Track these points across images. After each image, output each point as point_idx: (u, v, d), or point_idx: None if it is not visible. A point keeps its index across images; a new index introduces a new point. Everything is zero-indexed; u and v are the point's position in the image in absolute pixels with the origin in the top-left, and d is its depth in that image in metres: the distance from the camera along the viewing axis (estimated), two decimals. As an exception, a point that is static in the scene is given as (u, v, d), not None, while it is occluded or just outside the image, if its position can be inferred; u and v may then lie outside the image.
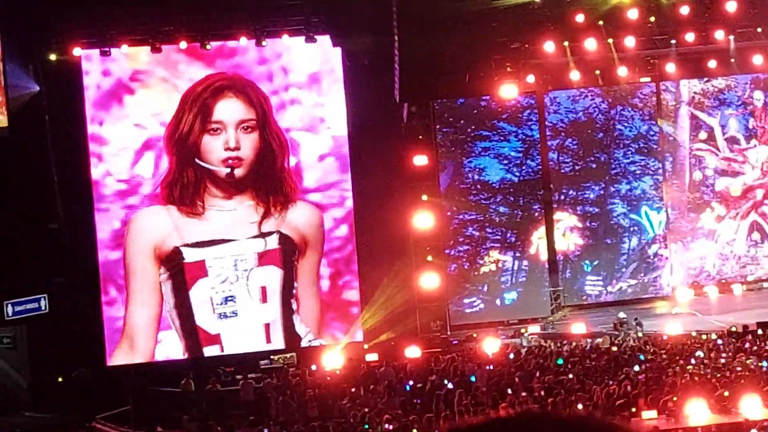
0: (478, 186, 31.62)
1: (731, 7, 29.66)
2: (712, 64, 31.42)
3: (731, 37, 30.62)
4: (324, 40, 28.64)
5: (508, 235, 31.79)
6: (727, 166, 32.91)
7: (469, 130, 31.66)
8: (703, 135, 32.87)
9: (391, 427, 20.14)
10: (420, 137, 30.60)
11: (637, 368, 23.11)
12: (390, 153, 29.59)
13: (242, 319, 28.24)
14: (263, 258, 28.32)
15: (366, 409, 21.59)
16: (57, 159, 28.20)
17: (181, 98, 28.11)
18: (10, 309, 26.71)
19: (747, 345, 25.30)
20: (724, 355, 24.47)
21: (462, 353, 26.80)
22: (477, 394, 22.09)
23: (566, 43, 30.29)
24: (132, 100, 28.13)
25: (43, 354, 27.27)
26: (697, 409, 19.62)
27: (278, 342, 28.46)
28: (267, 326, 28.40)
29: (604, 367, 23.83)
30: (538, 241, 31.68)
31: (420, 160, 30.18)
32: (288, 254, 28.45)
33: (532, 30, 29.89)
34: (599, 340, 27.58)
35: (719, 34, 30.41)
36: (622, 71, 31.00)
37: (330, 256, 29.01)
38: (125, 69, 28.19)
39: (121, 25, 27.68)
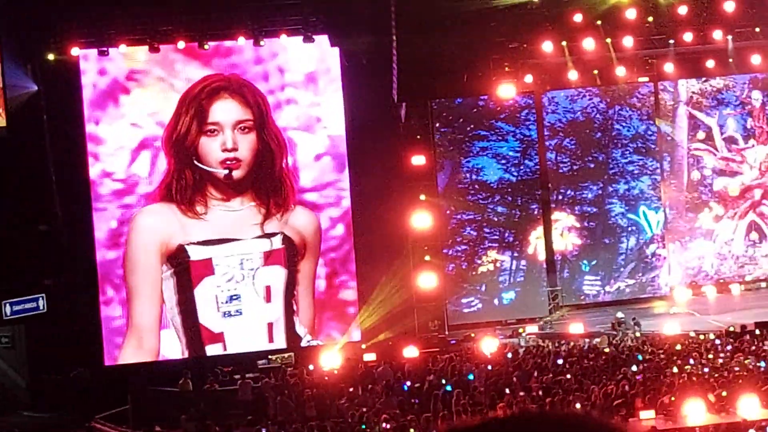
0: (476, 186, 31.63)
1: (729, 7, 29.67)
2: (710, 63, 31.44)
3: (729, 37, 30.63)
4: (321, 40, 28.64)
5: (506, 234, 31.79)
6: (725, 166, 32.92)
7: (467, 129, 31.67)
8: (701, 135, 32.89)
9: (389, 426, 20.14)
10: (418, 137, 30.61)
11: (635, 368, 23.12)
12: (388, 153, 29.59)
13: (246, 318, 28.27)
14: (269, 258, 28.36)
15: (364, 409, 21.60)
16: (55, 159, 28.20)
17: (179, 100, 28.11)
18: (8, 309, 26.71)
19: (745, 345, 25.30)
20: (722, 355, 24.47)
21: (460, 353, 26.80)
22: (475, 394, 22.09)
23: (564, 43, 30.30)
24: (128, 99, 28.13)
25: (42, 353, 27.26)
26: (694, 409, 19.62)
27: (280, 341, 28.49)
28: (270, 325, 28.43)
29: (602, 367, 23.83)
30: (536, 240, 31.68)
31: (418, 159, 30.19)
32: (291, 255, 28.50)
33: (531, 30, 29.89)
34: (597, 339, 27.59)
35: (717, 34, 30.42)
36: (620, 71, 31.01)
37: (326, 255, 29.02)
38: (121, 68, 28.20)
39: (120, 24, 27.68)
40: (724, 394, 20.23)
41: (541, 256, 31.72)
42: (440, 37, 28.47)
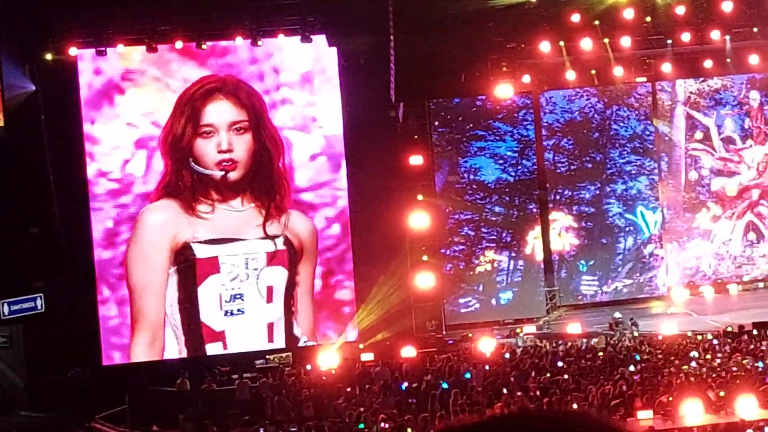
0: (474, 186, 31.63)
1: (727, 7, 29.68)
2: (708, 64, 31.44)
3: (727, 37, 30.64)
4: (317, 40, 28.65)
5: (504, 234, 31.79)
6: (723, 166, 32.93)
7: (464, 129, 31.67)
8: (698, 135, 32.90)
9: (387, 426, 20.14)
10: (416, 137, 30.62)
11: (632, 368, 23.13)
12: (386, 152, 29.60)
13: (248, 317, 28.30)
14: (273, 258, 28.40)
15: (361, 409, 21.60)
16: (53, 158, 28.20)
17: (175, 103, 28.12)
18: (6, 308, 26.70)
19: (743, 345, 25.31)
20: (719, 355, 24.48)
21: (457, 353, 26.80)
22: (472, 393, 22.09)
23: (562, 43, 30.31)
24: (123, 99, 28.14)
25: (40, 353, 27.25)
26: (692, 409, 19.63)
27: (280, 342, 28.52)
28: (270, 326, 28.46)
29: (599, 367, 23.84)
30: (533, 240, 31.68)
31: (416, 159, 30.19)
32: (292, 257, 28.53)
33: (528, 30, 29.90)
34: (595, 340, 27.59)
35: (715, 34, 30.43)
36: (618, 71, 31.02)
37: (322, 255, 29.04)
38: (117, 68, 28.21)
39: (118, 24, 27.67)
40: (722, 394, 20.25)
41: (539, 256, 31.73)
42: (438, 37, 28.47)
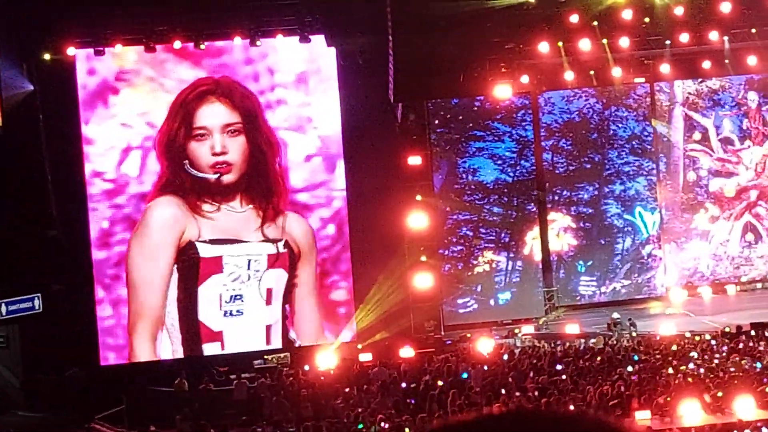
0: (473, 186, 31.62)
1: (725, 7, 29.67)
2: (706, 64, 31.44)
3: (725, 38, 30.63)
4: (312, 40, 28.63)
5: (502, 235, 31.79)
6: (721, 167, 32.94)
7: (463, 130, 31.66)
8: (697, 136, 32.90)
9: (385, 426, 20.13)
10: (414, 137, 30.60)
11: (630, 369, 23.14)
12: (384, 153, 29.58)
13: (246, 318, 28.29)
14: (275, 261, 28.39)
15: (359, 409, 21.60)
16: (51, 158, 28.18)
17: (170, 106, 28.10)
18: (3, 308, 26.67)
19: (740, 346, 25.32)
20: (717, 355, 24.49)
21: (456, 353, 26.80)
22: (470, 394, 22.09)
23: (560, 44, 30.30)
24: (117, 99, 28.13)
25: (36, 353, 27.22)
26: (690, 410, 19.64)
27: (277, 344, 28.51)
28: (268, 328, 28.45)
29: (597, 367, 23.84)
30: (532, 241, 31.68)
31: (414, 160, 30.18)
32: (293, 260, 28.54)
33: (527, 30, 29.88)
34: (593, 340, 27.59)
35: (713, 35, 30.42)
36: (617, 72, 31.02)
37: (318, 256, 29.04)
38: (111, 68, 28.20)
39: (116, 24, 27.65)
40: (719, 394, 20.26)
41: (537, 256, 31.73)
42: (437, 37, 28.45)
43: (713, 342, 25.93)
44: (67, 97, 27.94)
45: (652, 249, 32.46)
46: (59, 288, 27.84)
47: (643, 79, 32.25)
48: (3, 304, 26.64)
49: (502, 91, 30.61)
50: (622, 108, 32.45)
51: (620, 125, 32.46)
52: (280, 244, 28.47)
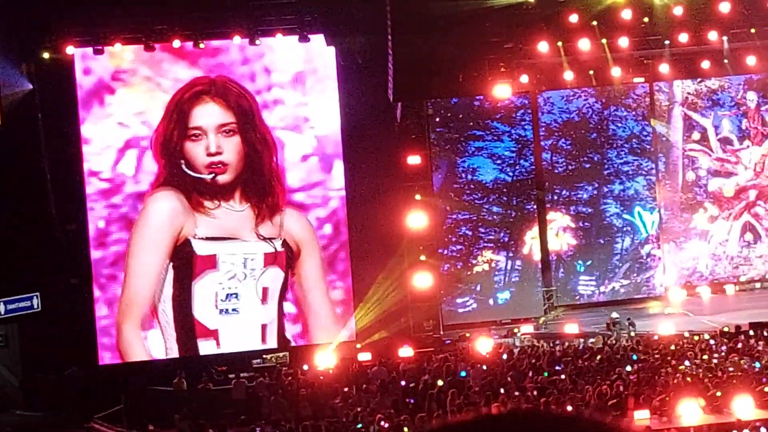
0: (472, 186, 31.63)
1: (725, 7, 29.69)
2: (705, 64, 31.45)
3: (725, 38, 30.65)
4: (311, 39, 28.63)
5: (502, 234, 31.80)
6: (720, 167, 32.95)
7: (462, 129, 31.67)
8: (696, 135, 32.91)
9: (384, 425, 20.12)
10: (413, 137, 30.60)
11: (629, 368, 23.14)
12: (384, 152, 29.59)
13: (242, 317, 28.32)
14: (270, 260, 28.41)
15: (358, 409, 21.59)
16: (50, 157, 28.18)
17: (166, 106, 28.14)
18: (2, 307, 26.66)
19: (739, 345, 25.32)
20: (716, 355, 24.49)
21: (455, 353, 26.81)
22: (470, 393, 22.09)
23: (560, 43, 30.32)
24: (113, 99, 28.14)
25: (35, 352, 27.22)
26: (689, 409, 19.65)
27: (272, 343, 28.52)
28: (264, 327, 28.46)
29: (596, 367, 23.85)
30: (531, 240, 31.69)
31: (413, 159, 30.18)
32: (289, 259, 28.57)
33: (526, 30, 29.89)
34: (592, 340, 27.59)
35: (713, 35, 30.43)
36: (616, 71, 31.03)
37: (320, 246, 29.08)
38: (107, 68, 28.21)
39: (115, 23, 27.65)
40: (718, 394, 20.26)
41: (536, 256, 31.74)
42: (436, 37, 28.45)
43: (712, 342, 25.93)
44: (67, 97, 27.95)
45: (651, 249, 32.47)
46: (58, 286, 27.84)
47: (642, 79, 32.26)
48: (2, 303, 26.64)
49: (502, 91, 30.62)
50: (621, 108, 32.46)
51: (619, 125, 32.47)
52: (277, 243, 28.49)
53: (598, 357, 24.79)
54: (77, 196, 28.01)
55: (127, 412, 24.22)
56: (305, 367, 26.42)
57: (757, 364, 22.98)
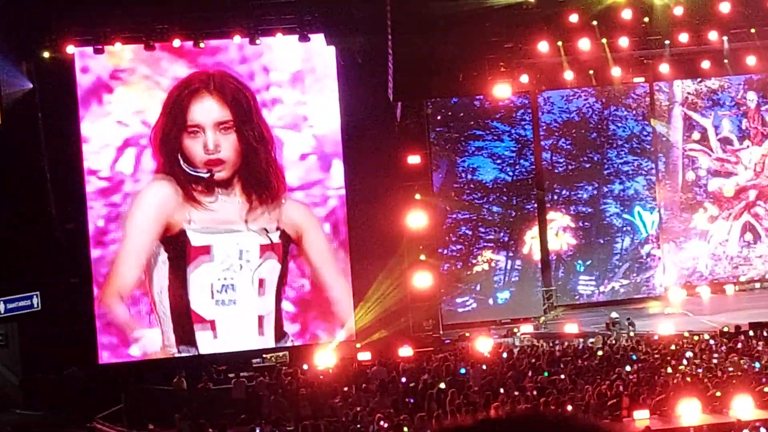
0: (472, 185, 31.64)
1: (725, 8, 29.69)
2: (705, 64, 31.44)
3: (725, 38, 30.64)
4: (311, 39, 28.64)
5: (501, 234, 31.81)
6: (720, 167, 32.95)
7: (462, 129, 31.68)
8: (696, 135, 32.91)
9: (385, 425, 20.12)
10: (413, 136, 30.61)
11: (629, 368, 23.14)
12: (384, 152, 29.59)
13: (239, 308, 28.41)
14: (266, 251, 28.49)
15: (358, 408, 21.59)
16: (50, 157, 28.19)
17: (164, 102, 28.19)
18: (2, 306, 26.67)
19: (739, 345, 25.33)
20: (716, 355, 24.49)
21: (454, 352, 26.81)
22: (469, 393, 22.09)
23: (560, 43, 30.31)
24: (112, 97, 28.18)
25: (35, 352, 27.23)
26: (689, 409, 19.65)
27: (270, 335, 28.55)
28: (261, 318, 28.56)
29: (596, 366, 23.85)
30: (531, 240, 31.70)
31: (413, 159, 30.19)
32: (286, 250, 28.62)
33: (526, 30, 29.89)
34: (592, 339, 27.60)
35: (713, 35, 30.43)
36: (616, 71, 31.03)
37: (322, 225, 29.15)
38: (106, 67, 28.24)
39: (115, 23, 27.66)
40: (718, 394, 20.26)
41: (536, 255, 31.74)
42: (436, 36, 28.45)
43: (712, 342, 25.94)
44: (67, 96, 27.97)
45: (651, 248, 32.48)
46: (58, 286, 27.86)
47: (642, 79, 32.26)
48: (1, 302, 26.64)
49: (502, 91, 30.62)
50: (621, 108, 32.46)
51: (619, 125, 32.47)
52: (274, 235, 28.56)
53: (598, 356, 24.78)
54: (77, 195, 28.04)
55: (127, 411, 24.23)
56: (305, 367, 26.42)
57: (757, 364, 22.99)
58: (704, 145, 32.87)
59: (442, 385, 22.69)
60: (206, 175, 28.25)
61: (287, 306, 28.86)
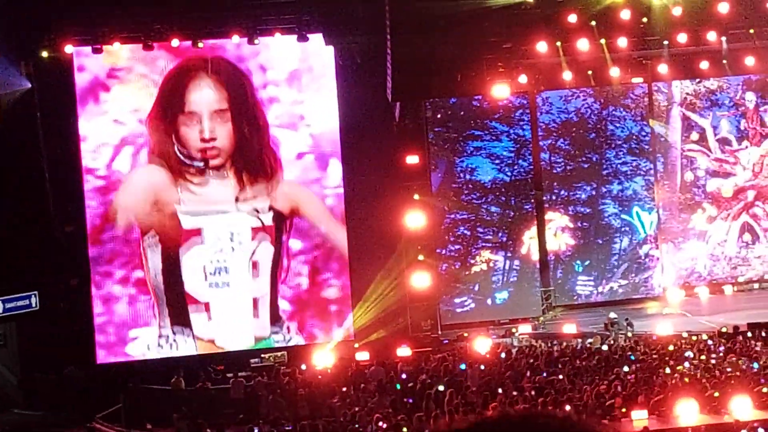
0: (470, 185, 31.64)
1: (723, 8, 29.69)
2: (704, 65, 31.44)
3: (723, 39, 30.64)
4: (310, 39, 28.65)
5: (500, 234, 31.81)
6: (719, 167, 32.96)
7: (461, 129, 31.69)
8: (694, 136, 32.92)
9: (383, 425, 20.13)
10: (412, 136, 30.61)
11: (627, 368, 23.15)
12: (382, 152, 29.59)
13: (233, 290, 28.49)
14: (258, 233, 28.57)
15: (356, 408, 21.60)
16: (48, 156, 28.18)
17: (160, 86, 28.26)
18: (0, 306, 26.66)
19: (737, 346, 25.34)
20: (714, 355, 24.50)
21: (453, 353, 26.81)
22: (467, 393, 22.09)
23: (558, 44, 30.31)
24: (108, 96, 28.20)
25: (34, 351, 27.22)
26: (687, 410, 19.66)
27: (264, 317, 28.57)
28: (255, 300, 28.62)
29: (594, 367, 23.86)
30: (529, 240, 31.70)
31: (412, 159, 30.19)
32: (280, 232, 28.69)
33: (525, 30, 29.88)
34: (590, 340, 27.60)
35: (711, 36, 30.43)
36: (615, 72, 31.02)
37: (309, 253, 29.09)
38: (102, 66, 28.25)
39: (114, 23, 27.66)
40: (716, 394, 20.27)
41: (535, 256, 31.75)
42: (435, 36, 28.45)
43: (710, 342, 25.95)
44: (66, 96, 27.98)
45: (650, 249, 32.49)
46: (56, 285, 27.86)
47: (641, 79, 32.27)
48: (0, 302, 26.63)
49: (500, 91, 30.63)
50: (619, 108, 32.47)
51: (618, 125, 32.48)
52: (266, 216, 28.61)
53: (596, 357, 24.79)
54: (76, 194, 28.04)
55: (125, 411, 24.23)
56: (303, 367, 26.43)
57: (755, 365, 23.00)
58: (703, 145, 32.88)
59: (441, 387, 22.69)
60: (201, 164, 28.39)
61: (283, 305, 28.86)
